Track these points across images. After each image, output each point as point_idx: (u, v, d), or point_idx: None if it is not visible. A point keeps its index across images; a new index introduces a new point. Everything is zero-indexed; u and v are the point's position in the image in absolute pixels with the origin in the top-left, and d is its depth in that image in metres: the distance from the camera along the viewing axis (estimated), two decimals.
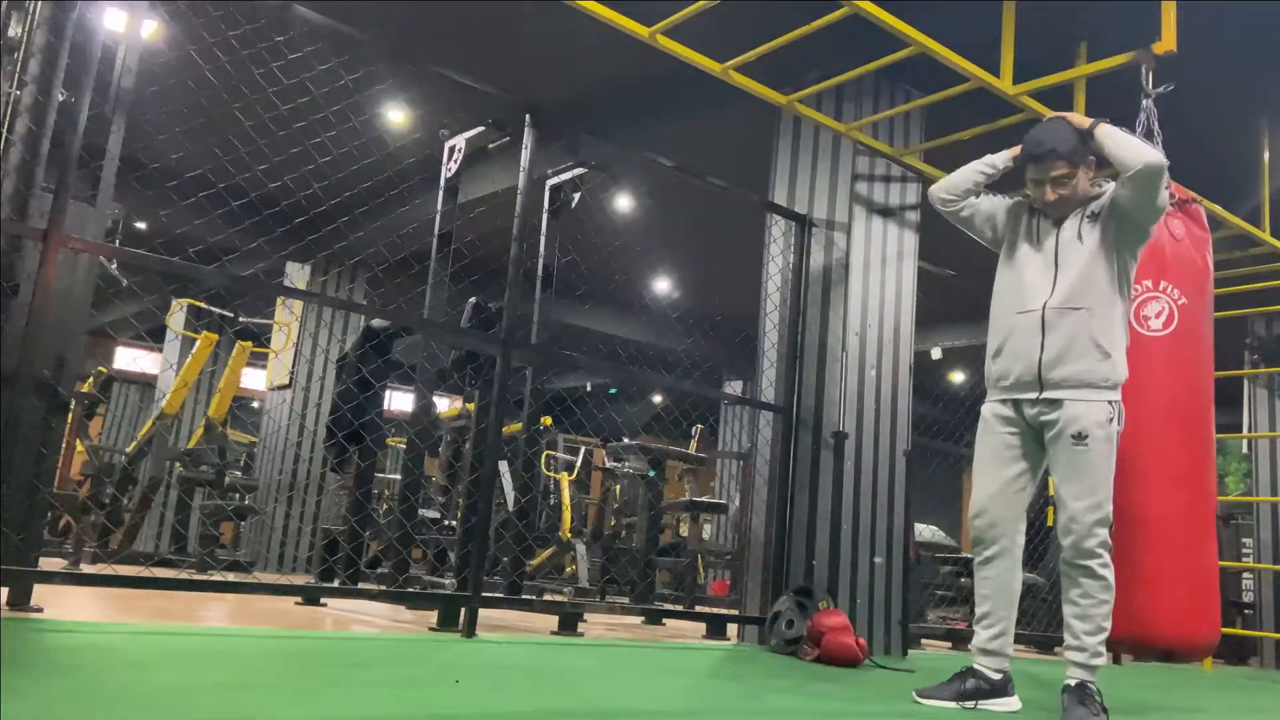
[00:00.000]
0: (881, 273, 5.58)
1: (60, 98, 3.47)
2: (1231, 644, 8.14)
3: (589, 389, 16.98)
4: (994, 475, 3.14)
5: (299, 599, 5.24)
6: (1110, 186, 3.15)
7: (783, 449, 5.28)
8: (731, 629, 5.46)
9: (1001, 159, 3.33)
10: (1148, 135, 4.32)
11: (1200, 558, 3.83)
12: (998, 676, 3.11)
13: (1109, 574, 2.97)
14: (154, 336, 14.15)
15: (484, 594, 4.25)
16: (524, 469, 5.77)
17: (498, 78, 4.60)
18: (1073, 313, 3.03)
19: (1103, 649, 2.99)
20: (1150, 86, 4.33)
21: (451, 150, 5.44)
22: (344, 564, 5.64)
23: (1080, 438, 2.98)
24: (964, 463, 14.86)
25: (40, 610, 3.34)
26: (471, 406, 6.23)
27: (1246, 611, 8.71)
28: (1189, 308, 3.90)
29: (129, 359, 16.49)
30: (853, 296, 5.44)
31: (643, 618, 6.63)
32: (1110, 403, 3.02)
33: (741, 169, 6.37)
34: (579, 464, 10.92)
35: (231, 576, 4.53)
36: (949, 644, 6.46)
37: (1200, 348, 3.97)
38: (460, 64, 4.47)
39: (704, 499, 9.31)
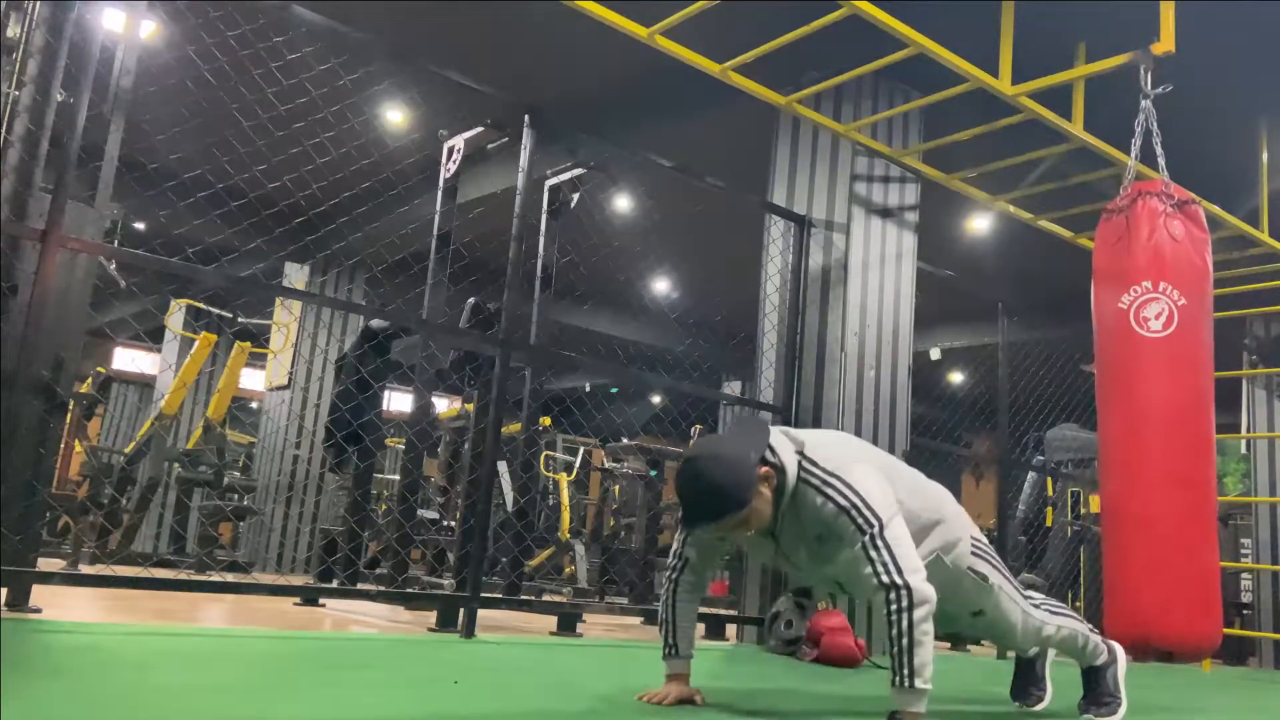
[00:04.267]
0: (880, 273, 5.58)
1: (59, 98, 3.46)
2: (1230, 644, 8.14)
3: (588, 389, 16.98)
4: None
5: (297, 600, 5.23)
6: None
7: None
8: (730, 629, 5.46)
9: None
10: (1146, 135, 4.33)
11: (1202, 559, 3.83)
12: None
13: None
14: (153, 337, 14.13)
15: (483, 594, 4.25)
16: (523, 469, 5.77)
17: (497, 78, 4.61)
18: None
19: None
20: (1149, 87, 4.34)
21: (450, 151, 5.44)
22: (343, 565, 5.64)
23: None
24: (963, 463, 14.88)
25: (39, 611, 3.33)
26: (470, 407, 6.23)
27: (1245, 612, 8.71)
28: (1188, 308, 3.89)
29: (127, 359, 16.48)
30: (851, 297, 5.44)
31: (641, 618, 6.62)
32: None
33: (740, 169, 6.37)
34: (578, 464, 10.93)
35: (230, 577, 4.52)
36: (948, 644, 6.45)
37: (1200, 348, 3.96)
38: (459, 64, 4.47)
39: None
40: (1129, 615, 3.74)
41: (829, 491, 2.29)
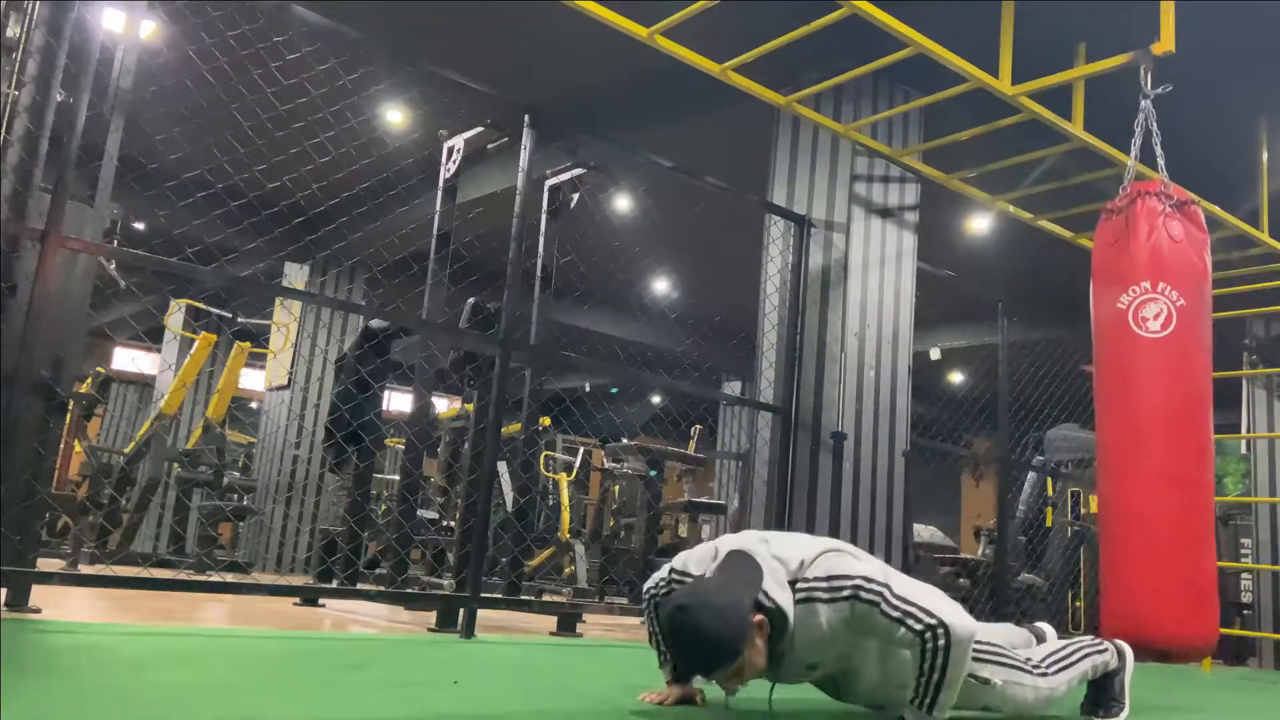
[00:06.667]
0: (880, 273, 5.58)
1: (58, 98, 3.46)
2: (1230, 644, 8.14)
3: (588, 389, 16.98)
4: None
5: (297, 600, 5.23)
6: None
7: (781, 449, 5.28)
8: None
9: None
10: (1146, 135, 4.32)
11: (1199, 559, 3.83)
12: None
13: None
14: (152, 337, 14.13)
15: (482, 595, 4.25)
16: (523, 469, 5.76)
17: (497, 78, 4.60)
18: None
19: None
20: (1149, 87, 4.33)
21: (450, 151, 5.43)
22: (342, 565, 5.63)
23: None
24: (963, 463, 14.88)
25: (39, 611, 3.33)
26: (470, 407, 6.22)
27: (1245, 612, 8.71)
28: (1187, 309, 3.89)
29: (127, 359, 16.49)
30: (851, 297, 5.44)
31: (641, 618, 6.62)
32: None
33: (740, 169, 6.37)
34: (578, 464, 10.93)
35: (230, 577, 4.52)
36: None
37: (1199, 349, 3.95)
38: (459, 64, 4.47)
39: (703, 499, 9.31)
40: (1125, 615, 3.74)
41: (830, 594, 2.25)
